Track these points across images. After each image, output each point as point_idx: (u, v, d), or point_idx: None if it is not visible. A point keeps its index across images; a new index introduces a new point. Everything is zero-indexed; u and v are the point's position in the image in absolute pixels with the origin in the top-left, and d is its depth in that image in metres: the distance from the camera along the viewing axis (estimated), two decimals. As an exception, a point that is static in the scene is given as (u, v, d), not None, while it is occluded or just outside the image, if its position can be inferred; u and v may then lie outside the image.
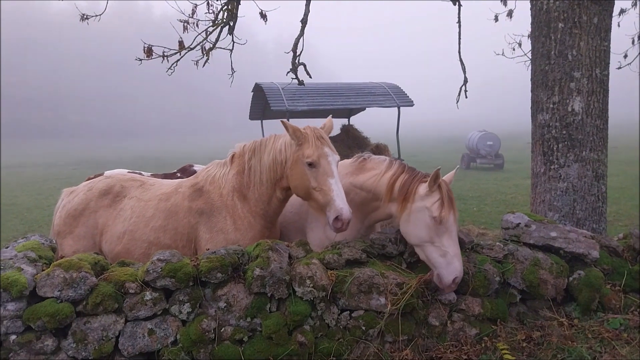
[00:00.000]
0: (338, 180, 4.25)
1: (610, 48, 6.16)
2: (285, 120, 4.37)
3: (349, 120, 13.30)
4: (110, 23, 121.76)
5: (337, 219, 4.09)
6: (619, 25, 9.94)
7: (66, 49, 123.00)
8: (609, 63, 6.14)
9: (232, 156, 4.96)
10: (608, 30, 6.08)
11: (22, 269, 3.72)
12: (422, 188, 4.17)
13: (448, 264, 4.00)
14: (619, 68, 10.89)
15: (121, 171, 6.12)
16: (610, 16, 6.11)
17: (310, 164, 4.27)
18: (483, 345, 4.15)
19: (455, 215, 4.14)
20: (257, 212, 4.73)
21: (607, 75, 6.12)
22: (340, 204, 4.10)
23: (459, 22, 8.48)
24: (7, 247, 4.17)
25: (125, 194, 5.11)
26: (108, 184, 5.20)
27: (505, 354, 3.95)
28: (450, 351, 4.10)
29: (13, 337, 3.59)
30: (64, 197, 5.39)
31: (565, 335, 4.17)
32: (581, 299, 4.49)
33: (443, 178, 4.24)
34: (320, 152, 4.32)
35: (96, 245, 5.03)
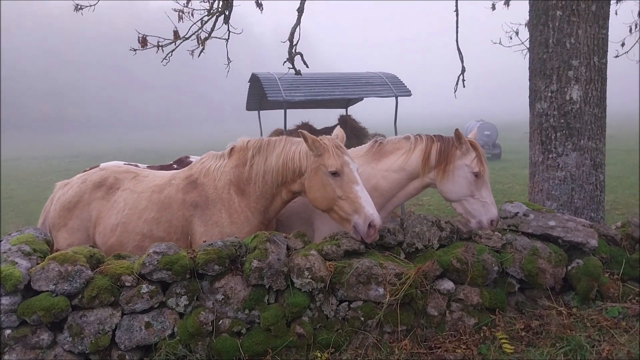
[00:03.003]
0: (363, 187, 4.26)
1: (608, 36, 6.13)
2: (304, 132, 4.31)
3: (346, 111, 13.23)
4: (107, 15, 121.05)
5: (370, 225, 4.09)
6: (616, 13, 9.91)
7: (65, 41, 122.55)
8: (607, 51, 6.11)
9: (232, 149, 4.87)
10: (606, 18, 6.04)
11: (17, 263, 3.70)
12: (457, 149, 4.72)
13: (487, 211, 4.65)
14: (617, 56, 10.84)
15: (117, 163, 6.06)
16: (608, 4, 6.08)
17: (334, 173, 4.24)
18: (482, 334, 4.15)
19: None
20: (257, 208, 4.67)
21: (605, 64, 6.09)
22: (371, 210, 4.12)
23: (456, 11, 8.43)
24: (0, 241, 4.14)
25: (119, 186, 5.05)
26: (102, 176, 5.15)
27: (504, 343, 3.96)
28: (449, 341, 4.10)
29: (8, 331, 3.57)
30: (58, 189, 5.35)
31: (564, 324, 4.16)
32: (580, 288, 4.49)
33: (469, 137, 4.85)
34: (342, 160, 4.31)
35: (90, 238, 4.99)
